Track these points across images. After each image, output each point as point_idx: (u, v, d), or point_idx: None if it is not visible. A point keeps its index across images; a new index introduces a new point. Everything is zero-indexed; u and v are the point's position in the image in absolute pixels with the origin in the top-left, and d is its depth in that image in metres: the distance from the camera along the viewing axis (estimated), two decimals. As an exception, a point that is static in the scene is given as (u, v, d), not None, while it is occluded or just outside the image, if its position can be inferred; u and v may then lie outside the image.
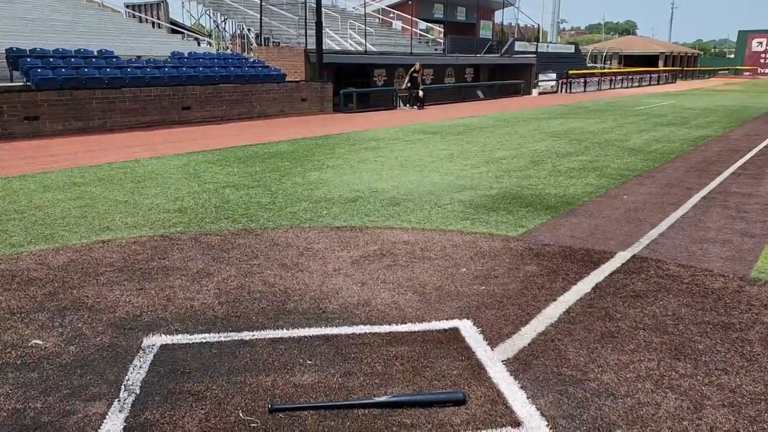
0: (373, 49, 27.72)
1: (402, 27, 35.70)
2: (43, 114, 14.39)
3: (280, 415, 2.96)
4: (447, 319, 4.11)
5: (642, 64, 60.25)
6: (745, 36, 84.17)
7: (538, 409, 3.03)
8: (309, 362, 3.50)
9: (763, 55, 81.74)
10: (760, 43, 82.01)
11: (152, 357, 3.54)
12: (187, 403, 3.06)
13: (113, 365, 3.45)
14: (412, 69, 23.89)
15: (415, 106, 24.45)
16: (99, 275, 4.90)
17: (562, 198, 7.91)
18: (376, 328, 3.97)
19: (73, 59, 16.32)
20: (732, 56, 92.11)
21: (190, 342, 3.74)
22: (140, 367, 3.42)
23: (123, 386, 3.21)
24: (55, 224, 6.49)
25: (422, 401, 3.08)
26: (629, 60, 65.35)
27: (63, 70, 15.54)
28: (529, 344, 3.75)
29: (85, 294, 4.50)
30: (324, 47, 22.56)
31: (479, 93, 31.59)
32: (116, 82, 16.14)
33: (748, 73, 77.40)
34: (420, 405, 3.05)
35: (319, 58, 21.72)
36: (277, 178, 9.26)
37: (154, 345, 3.70)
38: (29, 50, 16.16)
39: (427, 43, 34.84)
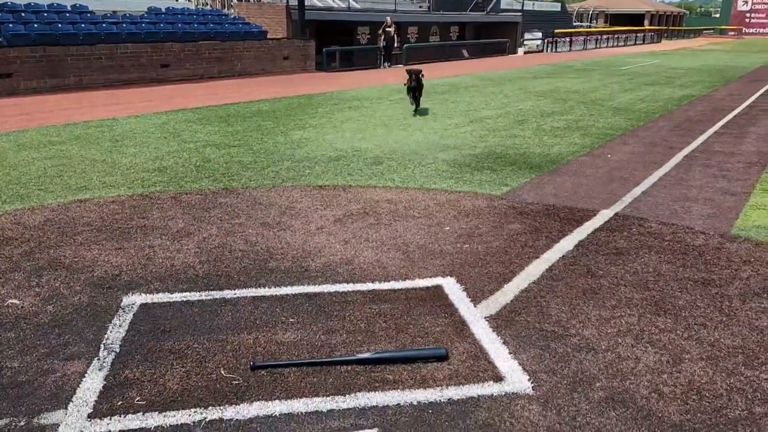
0: (357, 6, 27.14)
1: (386, -17, 34.87)
2: (16, 71, 13.96)
3: (262, 372, 2.94)
4: (430, 277, 4.10)
5: (628, 23, 59.73)
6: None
7: (520, 364, 3.05)
8: (291, 320, 3.48)
9: (747, 15, 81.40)
10: (746, 2, 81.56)
11: (132, 316, 3.49)
12: (168, 361, 3.03)
13: (92, 324, 3.40)
14: (384, 24, 23.45)
15: (399, 65, 24.13)
16: (76, 235, 4.81)
17: (546, 157, 7.88)
18: (359, 286, 3.95)
19: (46, 14, 15.77)
20: (717, 15, 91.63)
21: (171, 301, 3.70)
22: (120, 326, 3.38)
23: (102, 345, 3.18)
24: (30, 183, 6.34)
25: (405, 357, 3.08)
26: (615, 19, 64.75)
27: (36, 25, 15.03)
28: (511, 301, 3.76)
29: (62, 254, 4.42)
30: (306, 4, 22.04)
31: (464, 52, 31.21)
32: (91, 38, 15.67)
33: (733, 33, 77.20)
34: (403, 361, 3.06)
35: (301, 15, 21.23)
36: (258, 137, 9.12)
37: (133, 304, 3.65)
38: (0, 4, 15.57)
39: (412, 0, 34.15)
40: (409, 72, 11.15)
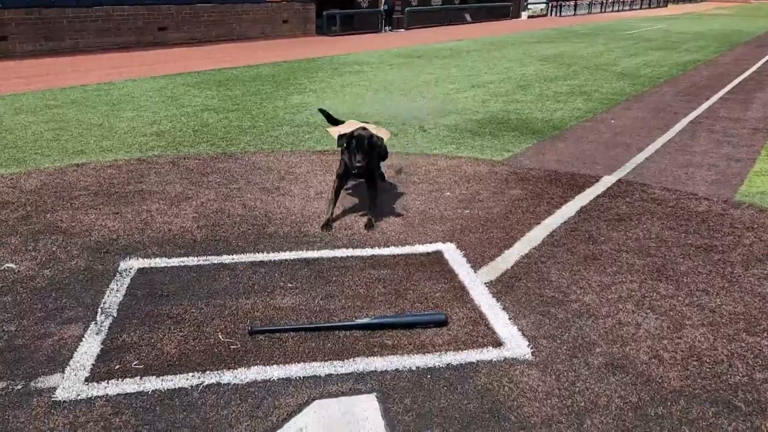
0: (358, -33, 26.53)
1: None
2: (12, 34, 13.75)
3: (260, 337, 2.93)
4: (430, 243, 4.07)
5: (634, -13, 58.47)
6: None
7: (519, 329, 3.03)
8: (290, 285, 3.45)
9: (756, -21, 79.62)
10: (755, -35, 79.71)
11: (129, 280, 3.47)
12: (166, 325, 3.02)
13: (89, 289, 3.37)
14: None
15: (401, 29, 23.75)
16: (73, 199, 4.76)
17: (548, 122, 7.78)
18: (358, 252, 3.92)
19: (40, -25, 15.42)
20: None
21: (169, 265, 3.67)
22: (117, 290, 3.36)
23: (100, 309, 3.15)
24: (26, 147, 6.27)
25: (404, 323, 3.06)
26: (621, -18, 63.38)
27: (30, -14, 14.71)
28: (511, 267, 3.73)
29: (59, 218, 4.38)
30: (306, -35, 21.56)
31: (467, 16, 30.66)
32: (88, 0, 15.36)
33: (740, -3, 75.63)
34: (402, 326, 3.04)
35: (300, -23, 20.79)
36: (257, 101, 8.99)
37: (131, 268, 3.62)
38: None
39: (414, -38, 33.40)
40: (347, 139, 4.32)
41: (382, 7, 23.57)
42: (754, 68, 13.49)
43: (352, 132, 4.29)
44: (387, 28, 23.85)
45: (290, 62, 13.72)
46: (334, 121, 5.12)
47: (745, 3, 66.69)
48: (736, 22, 31.82)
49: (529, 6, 35.04)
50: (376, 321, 3.05)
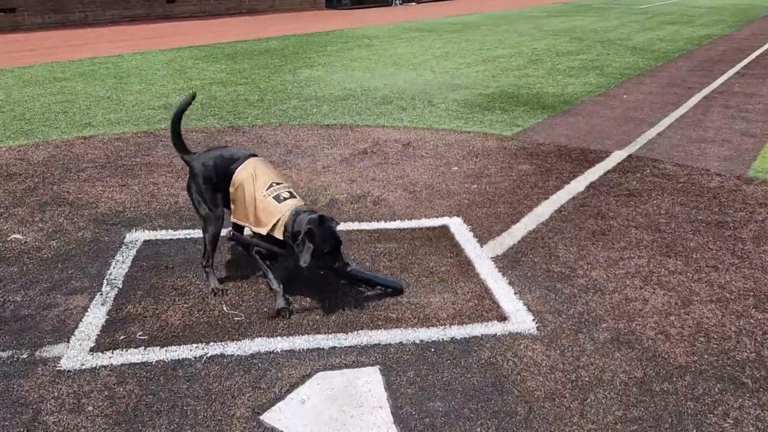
0: (368, -61, 26.12)
1: None
2: (20, 6, 13.68)
3: (265, 309, 2.92)
4: (437, 217, 4.04)
5: (650, -40, 57.28)
6: (761, -70, 79.63)
7: (525, 304, 3.00)
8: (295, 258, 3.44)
9: (777, -49, 77.66)
10: (776, -63, 77.68)
11: (135, 252, 3.47)
12: (171, 297, 3.02)
13: (95, 260, 3.38)
14: None
15: (411, 2, 23.43)
16: (80, 171, 4.76)
17: (559, 97, 7.67)
18: (364, 225, 3.90)
19: (47, -54, 15.29)
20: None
21: (174, 237, 3.67)
22: (123, 261, 3.36)
23: (105, 280, 3.16)
24: (35, 119, 6.27)
25: (370, 279, 3.09)
26: (637, -45, 62.11)
27: (37, -42, 14.60)
28: (518, 242, 3.69)
29: (66, 189, 4.38)
30: (315, -64, 21.25)
31: (479, -11, 30.14)
32: (95, -28, 15.24)
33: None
34: (367, 282, 3.08)
35: (310, -51, 20.49)
36: (266, 75, 8.92)
37: (137, 240, 3.62)
38: (0, -64, 15.11)
39: (426, -67, 32.82)
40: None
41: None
42: (771, 43, 13.20)
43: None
44: (398, 1, 23.54)
45: (299, 36, 13.58)
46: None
47: (764, -24, 65.07)
48: (754, -4, 31.08)
49: (542, -21, 34.37)
50: (350, 270, 2.91)
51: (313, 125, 6.26)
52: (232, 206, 3.06)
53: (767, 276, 3.29)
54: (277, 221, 2.90)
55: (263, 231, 2.93)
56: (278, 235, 2.90)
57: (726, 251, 3.58)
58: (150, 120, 6.31)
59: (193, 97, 3.22)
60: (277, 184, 3.02)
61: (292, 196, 3.01)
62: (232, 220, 3.10)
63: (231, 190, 3.03)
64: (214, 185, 3.04)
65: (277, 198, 2.95)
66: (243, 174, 3.01)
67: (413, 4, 24.05)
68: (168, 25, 15.17)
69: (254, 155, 3.14)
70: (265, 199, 2.94)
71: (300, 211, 2.92)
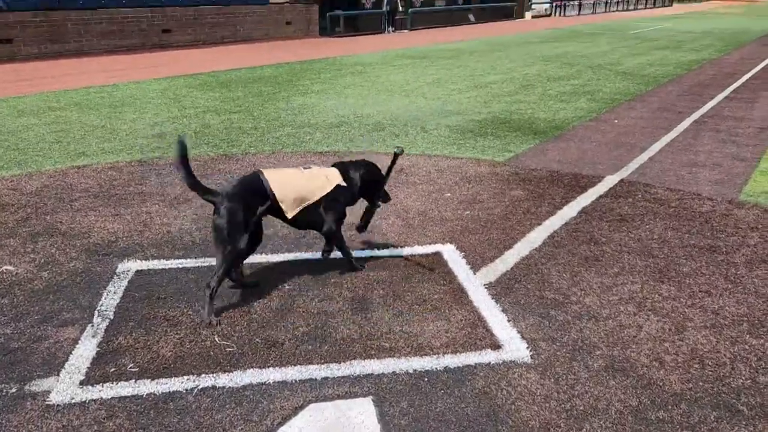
0: (361, -32, 26.54)
1: (391, -55, 34.09)
2: (17, 37, 13.80)
3: (257, 339, 2.90)
4: (430, 244, 4.04)
5: (639, -13, 58.29)
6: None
7: (518, 332, 2.99)
8: (287, 287, 3.43)
9: (763, -22, 79.33)
10: (761, -36, 79.40)
11: (127, 282, 3.45)
12: (162, 328, 3.00)
13: (87, 291, 3.36)
14: None
15: (404, 30, 23.74)
16: (73, 201, 4.76)
17: (551, 122, 7.74)
18: (357, 253, 3.88)
19: (44, -22, 15.48)
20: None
21: (167, 267, 3.65)
22: (114, 292, 3.34)
23: (96, 311, 3.14)
24: (28, 150, 6.28)
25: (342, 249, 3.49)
26: (626, -18, 63.20)
27: (34, -11, 14.76)
28: (511, 268, 3.69)
29: (58, 220, 4.37)
30: (309, -34, 21.57)
31: (470, 16, 30.62)
32: (92, 2, 15.41)
33: (747, -4, 75.31)
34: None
35: (304, -22, 20.80)
36: (260, 103, 8.99)
37: (129, 270, 3.60)
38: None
39: (418, -38, 33.38)
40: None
41: (384, 8, 23.55)
42: (760, 66, 13.41)
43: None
44: (390, 29, 23.84)
45: (293, 63, 13.71)
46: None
47: (752, 2, 66.36)
48: (743, 21, 31.66)
49: (533, 6, 34.96)
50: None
51: (306, 152, 6.29)
52: (284, 207, 3.19)
53: (760, 301, 3.29)
54: (330, 175, 3.34)
55: (328, 188, 3.29)
56: (342, 181, 3.36)
57: (719, 276, 3.59)
58: (144, 149, 6.33)
59: (182, 144, 3.03)
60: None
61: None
62: (291, 216, 3.24)
63: (277, 195, 3.15)
64: (249, 210, 3.09)
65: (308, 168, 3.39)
66: (274, 176, 3.21)
67: (406, 31, 24.37)
68: (163, 54, 15.30)
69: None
70: (306, 171, 3.35)
71: (337, 163, 3.52)
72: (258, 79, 11.37)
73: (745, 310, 3.20)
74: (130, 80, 10.94)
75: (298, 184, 3.25)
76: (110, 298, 3.27)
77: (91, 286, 3.42)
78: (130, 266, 3.66)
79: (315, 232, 3.53)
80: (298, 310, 3.18)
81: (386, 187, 3.67)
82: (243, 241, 3.07)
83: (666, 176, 5.51)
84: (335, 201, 3.35)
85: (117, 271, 3.60)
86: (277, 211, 3.23)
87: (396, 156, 3.58)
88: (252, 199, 3.12)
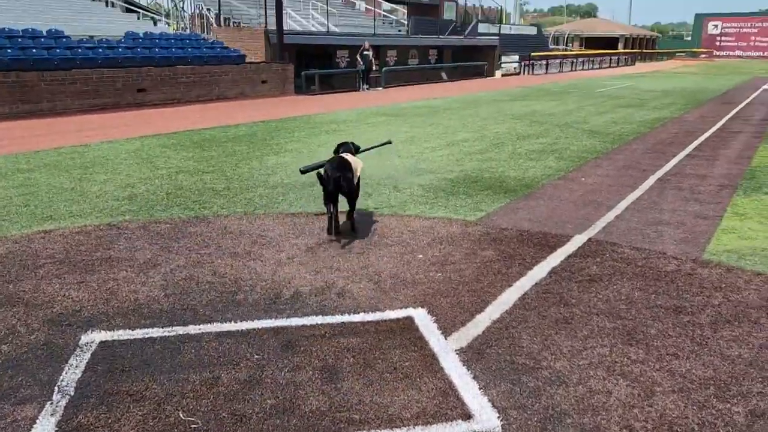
0: (336, 29, 27.31)
1: (365, 8, 35.25)
2: (-12, 97, 13.74)
3: (223, 414, 2.83)
4: (401, 308, 4.03)
5: (603, 47, 60.91)
6: (701, 19, 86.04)
7: (489, 400, 2.97)
8: (257, 357, 3.38)
9: (718, 38, 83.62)
10: (716, 26, 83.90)
11: (90, 355, 3.36)
12: (125, 404, 2.91)
13: (47, 365, 3.26)
14: (362, 48, 23.71)
15: (378, 88, 24.27)
16: (38, 268, 4.67)
17: (521, 181, 7.89)
18: (328, 319, 3.86)
19: (20, 39, 15.60)
20: (689, 39, 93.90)
21: (132, 338, 3.57)
22: (76, 366, 3.25)
23: (57, 387, 3.04)
24: (-6, 214, 6.17)
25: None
26: (590, 42, 66.01)
27: (9, 50, 14.85)
28: (483, 332, 3.69)
29: (21, 288, 4.27)
30: (285, 28, 22.12)
31: (443, 74, 31.50)
32: (67, 63, 15.52)
33: (704, 55, 79.10)
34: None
35: (279, 39, 21.29)
36: (233, 162, 9.03)
37: (92, 342, 3.52)
38: (-28, 29, 15.40)
39: (391, 24, 34.51)
40: (331, 162, 5.61)
41: (359, 67, 24.12)
42: (718, 125, 13.94)
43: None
44: (365, 86, 24.35)
45: (268, 122, 13.87)
46: (318, 165, 5.82)
47: (710, 61, 69.55)
48: (701, 80, 33.07)
49: (503, 65, 36.14)
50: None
51: (278, 214, 6.29)
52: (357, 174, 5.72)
53: (726, 363, 3.33)
54: (356, 160, 5.83)
55: (361, 165, 5.89)
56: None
57: (685, 337, 3.63)
58: (114, 212, 6.28)
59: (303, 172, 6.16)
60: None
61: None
62: (356, 180, 5.65)
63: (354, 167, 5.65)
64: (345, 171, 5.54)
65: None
66: (350, 157, 5.77)
67: (380, 89, 24.90)
68: (137, 113, 15.37)
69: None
70: (350, 157, 5.82)
71: (342, 153, 5.99)
72: (232, 138, 11.45)
73: (712, 373, 3.23)
74: (102, 140, 10.93)
75: (354, 162, 5.67)
76: (71, 372, 3.18)
77: (53, 359, 3.33)
78: (94, 337, 3.57)
79: (290, 298, 3.51)
80: (267, 381, 3.13)
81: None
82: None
83: (632, 235, 5.63)
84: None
85: (80, 342, 3.51)
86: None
87: (386, 143, 6.69)
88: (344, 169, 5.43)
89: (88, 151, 9.83)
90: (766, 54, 79.75)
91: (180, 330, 3.67)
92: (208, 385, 3.08)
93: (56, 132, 11.96)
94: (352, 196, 5.62)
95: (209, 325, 3.75)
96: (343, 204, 5.57)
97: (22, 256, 4.94)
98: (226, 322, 3.79)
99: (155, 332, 3.64)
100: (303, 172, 6.07)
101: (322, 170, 5.46)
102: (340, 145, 6.09)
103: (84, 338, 3.56)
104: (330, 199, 5.41)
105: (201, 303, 4.07)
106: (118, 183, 7.57)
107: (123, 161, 8.99)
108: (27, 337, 3.57)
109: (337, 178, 5.30)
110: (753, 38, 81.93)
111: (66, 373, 3.17)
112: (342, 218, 5.68)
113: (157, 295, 4.19)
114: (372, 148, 6.51)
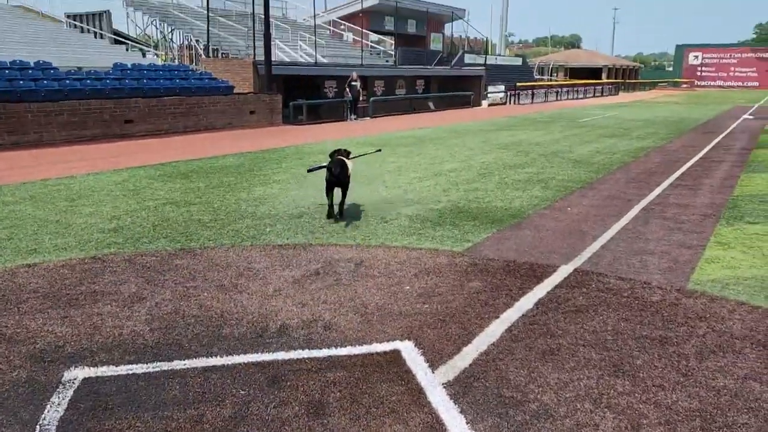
0: (324, 60, 27.63)
1: (353, 39, 35.77)
2: (-26, 128, 13.70)
3: (208, 452, 2.79)
4: (388, 341, 4.02)
5: (586, 77, 61.99)
6: (682, 50, 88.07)
7: (476, 434, 2.96)
8: (242, 392, 3.35)
9: (699, 68, 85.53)
10: (696, 56, 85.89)
11: (72, 393, 3.31)
12: (107, 443, 2.87)
13: (29, 403, 3.21)
14: (349, 79, 24.00)
15: (366, 118, 24.49)
16: (21, 303, 4.61)
17: (507, 211, 7.95)
18: (314, 353, 3.84)
19: (7, 71, 15.63)
20: (671, 69, 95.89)
21: (116, 374, 3.53)
22: (59, 404, 3.20)
23: (38, 427, 2.99)
24: (-22, 247, 6.11)
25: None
26: (574, 72, 67.21)
27: (-4, 82, 14.86)
28: (470, 365, 3.69)
29: (3, 324, 4.22)
30: (274, 59, 22.33)
31: (430, 104, 31.85)
32: (54, 94, 15.54)
33: (685, 85, 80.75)
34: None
35: (267, 70, 21.47)
36: (220, 194, 9.03)
37: (75, 379, 3.47)
38: (-41, 61, 15.42)
39: (378, 54, 34.99)
40: (332, 162, 7.44)
41: (347, 97, 24.36)
42: (701, 154, 14.17)
43: (336, 155, 7.73)
44: (353, 116, 24.55)
45: (255, 153, 13.91)
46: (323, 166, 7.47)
47: (691, 91, 70.94)
48: (683, 110, 33.68)
49: (489, 94, 36.63)
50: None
51: (265, 245, 6.29)
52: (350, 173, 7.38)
53: (711, 394, 3.34)
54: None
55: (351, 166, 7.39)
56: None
57: (671, 368, 3.64)
58: (99, 244, 6.24)
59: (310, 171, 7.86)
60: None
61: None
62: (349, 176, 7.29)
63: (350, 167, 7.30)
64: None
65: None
66: (347, 161, 7.30)
67: (368, 119, 25.12)
68: (124, 144, 15.36)
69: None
70: (347, 161, 7.32)
71: (337, 158, 7.41)
72: (220, 168, 11.47)
73: (697, 404, 3.24)
74: (89, 171, 10.90)
75: (350, 164, 7.30)
76: (53, 411, 3.13)
77: (35, 397, 3.28)
78: (77, 374, 3.53)
79: (277, 331, 3.50)
80: (252, 417, 3.10)
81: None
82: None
83: (618, 265, 5.67)
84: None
85: (63, 379, 3.46)
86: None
87: (377, 151, 8.71)
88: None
89: (74, 182, 9.79)
90: (746, 84, 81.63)
91: (165, 366, 3.63)
92: (192, 422, 3.04)
93: (42, 163, 11.92)
94: (347, 188, 7.50)
95: (195, 360, 3.72)
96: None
97: (5, 290, 4.88)
98: (211, 356, 3.76)
99: (139, 368, 3.60)
100: (310, 171, 8.10)
101: (328, 167, 7.27)
102: (335, 151, 7.77)
103: (67, 375, 3.51)
104: (331, 190, 7.28)
105: (186, 337, 4.04)
106: (104, 215, 7.54)
107: (109, 193, 8.96)
108: (8, 374, 3.52)
109: (339, 174, 7.18)
110: (732, 69, 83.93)
111: (48, 412, 3.12)
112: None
113: (141, 330, 4.15)
114: (364, 155, 8.65)
